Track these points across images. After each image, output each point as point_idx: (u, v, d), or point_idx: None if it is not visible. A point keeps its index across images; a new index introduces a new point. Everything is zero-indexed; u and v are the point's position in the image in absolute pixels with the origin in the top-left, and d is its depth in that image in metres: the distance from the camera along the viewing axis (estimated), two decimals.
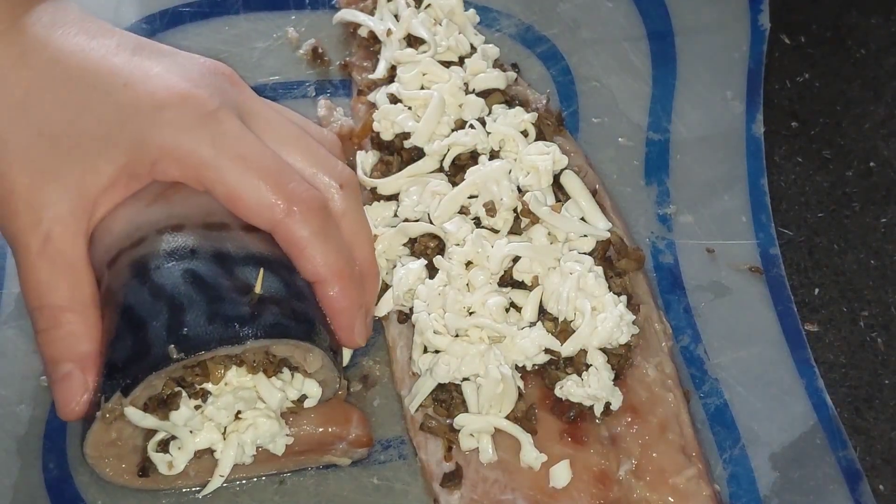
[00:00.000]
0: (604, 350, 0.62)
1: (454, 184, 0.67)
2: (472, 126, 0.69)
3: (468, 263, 0.64)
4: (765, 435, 0.65)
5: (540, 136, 0.71)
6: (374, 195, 0.69)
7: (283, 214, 0.58)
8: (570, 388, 0.61)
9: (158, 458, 0.59)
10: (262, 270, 0.58)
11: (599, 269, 0.64)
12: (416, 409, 0.62)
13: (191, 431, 0.58)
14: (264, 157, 0.59)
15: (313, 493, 0.62)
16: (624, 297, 0.64)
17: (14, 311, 0.67)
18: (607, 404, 0.61)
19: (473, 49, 0.75)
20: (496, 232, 0.65)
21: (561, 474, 0.59)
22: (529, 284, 0.64)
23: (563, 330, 0.62)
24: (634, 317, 0.63)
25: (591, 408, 0.61)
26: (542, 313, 0.63)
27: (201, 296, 0.56)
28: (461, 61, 0.74)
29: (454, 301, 0.62)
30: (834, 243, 0.76)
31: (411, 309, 0.64)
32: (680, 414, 0.62)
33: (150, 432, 0.59)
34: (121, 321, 0.57)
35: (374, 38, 0.77)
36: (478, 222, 0.66)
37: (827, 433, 0.65)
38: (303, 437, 0.61)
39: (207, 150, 0.58)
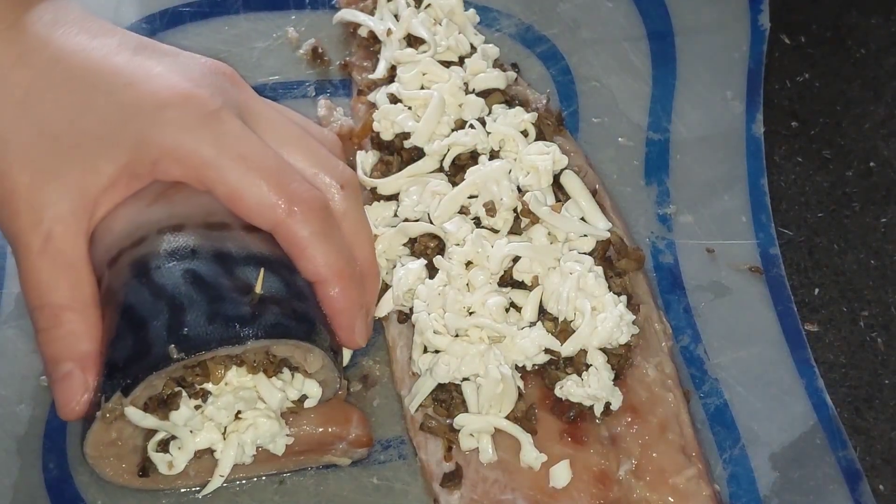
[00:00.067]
0: (604, 350, 0.62)
1: (454, 184, 0.67)
2: (472, 126, 0.69)
3: (468, 263, 0.64)
4: (765, 435, 0.65)
5: (540, 136, 0.71)
6: (374, 195, 0.69)
7: (284, 214, 0.58)
8: (570, 388, 0.61)
9: (158, 458, 0.59)
10: (262, 270, 0.58)
11: (599, 269, 0.64)
12: (416, 409, 0.62)
13: (191, 431, 0.58)
14: (266, 157, 0.59)
15: (313, 493, 0.62)
16: (624, 297, 0.64)
17: (14, 310, 0.67)
18: (607, 404, 0.61)
19: (473, 49, 0.75)
20: (496, 232, 0.66)
21: (561, 474, 0.59)
22: (529, 284, 0.64)
23: (563, 330, 0.62)
24: (634, 317, 0.63)
25: (591, 408, 0.61)
26: (542, 313, 0.63)
27: (202, 296, 0.56)
28: (461, 61, 0.74)
29: (454, 301, 0.62)
30: (834, 243, 0.76)
31: (411, 309, 0.64)
32: (680, 414, 0.62)
33: (150, 432, 0.59)
34: (121, 321, 0.57)
35: (374, 38, 0.77)
36: (478, 222, 0.66)
37: (827, 433, 0.65)
38: (303, 437, 0.61)
39: (209, 150, 0.58)
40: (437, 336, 0.62)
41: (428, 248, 0.66)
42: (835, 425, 0.65)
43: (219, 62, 0.63)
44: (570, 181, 0.68)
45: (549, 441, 0.60)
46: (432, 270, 0.65)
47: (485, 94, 0.72)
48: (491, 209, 0.65)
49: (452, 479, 0.60)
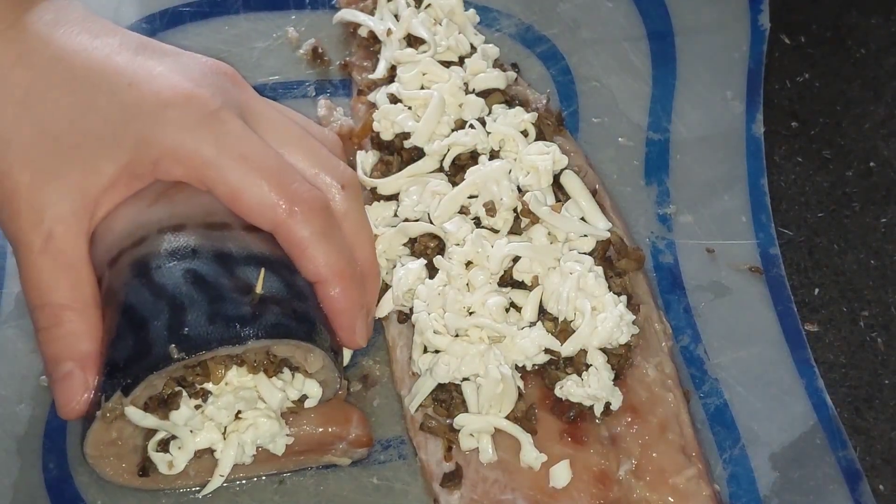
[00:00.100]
0: (604, 350, 0.62)
1: (454, 184, 0.67)
2: (472, 126, 0.69)
3: (468, 263, 0.64)
4: (765, 435, 0.65)
5: (540, 136, 0.71)
6: (374, 195, 0.69)
7: (284, 214, 0.58)
8: (570, 388, 0.61)
9: (158, 458, 0.59)
10: (262, 270, 0.58)
11: (599, 269, 0.64)
12: (416, 409, 0.62)
13: (191, 431, 0.58)
14: (266, 157, 0.59)
15: (313, 493, 0.62)
16: (624, 297, 0.64)
17: (14, 310, 0.67)
18: (607, 404, 0.61)
19: (473, 49, 0.75)
20: (496, 232, 0.65)
21: (561, 474, 0.59)
22: (529, 284, 0.64)
23: (563, 330, 0.62)
24: (634, 317, 0.63)
25: (591, 408, 0.61)
26: (542, 313, 0.63)
27: (202, 295, 0.56)
28: (461, 61, 0.74)
29: (454, 301, 0.62)
30: (834, 243, 0.76)
31: (411, 309, 0.64)
32: (680, 414, 0.62)
33: (151, 432, 0.59)
34: (122, 320, 0.57)
35: (374, 38, 0.77)
36: (478, 222, 0.66)
37: (827, 433, 0.65)
38: (303, 437, 0.61)
39: (210, 150, 0.58)
40: (437, 336, 0.62)
41: (428, 248, 0.66)
42: (835, 425, 0.65)
43: (220, 62, 0.63)
44: (570, 181, 0.68)
45: (549, 441, 0.60)
46: (432, 270, 0.65)
47: (485, 94, 0.72)
48: (491, 209, 0.65)
49: (452, 479, 0.60)
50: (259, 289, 0.57)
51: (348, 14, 0.79)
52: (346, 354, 0.64)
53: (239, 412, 0.59)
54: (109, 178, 0.58)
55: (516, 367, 0.62)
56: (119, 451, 0.59)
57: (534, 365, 0.62)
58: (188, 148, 0.58)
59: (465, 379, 0.61)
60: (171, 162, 0.58)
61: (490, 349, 0.61)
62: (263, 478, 0.62)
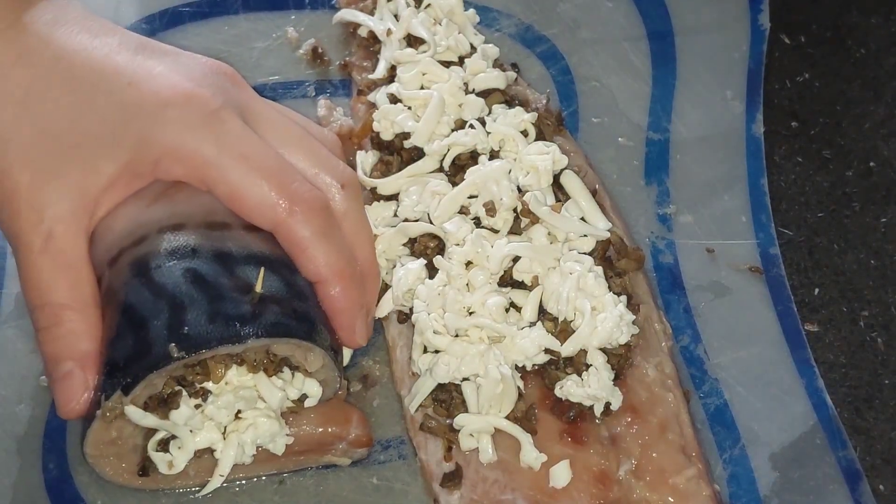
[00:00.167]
0: (604, 350, 0.62)
1: (454, 184, 0.67)
2: (471, 126, 0.69)
3: (468, 263, 0.64)
4: (765, 435, 0.65)
5: (540, 136, 0.71)
6: (374, 195, 0.69)
7: (285, 214, 0.58)
8: (570, 388, 0.61)
9: (158, 458, 0.59)
10: (262, 270, 0.58)
11: (599, 269, 0.64)
12: (416, 409, 0.62)
13: (191, 431, 0.58)
14: (267, 157, 0.59)
15: (313, 493, 0.62)
16: (624, 297, 0.64)
17: (14, 310, 0.67)
18: (607, 404, 0.61)
19: (473, 49, 0.75)
20: (496, 232, 0.65)
21: (561, 474, 0.59)
22: (529, 284, 0.64)
23: (563, 330, 0.62)
24: (634, 317, 0.63)
25: (591, 408, 0.61)
26: (542, 313, 0.63)
27: (202, 295, 0.56)
28: (461, 61, 0.74)
29: (454, 301, 0.62)
30: (834, 243, 0.77)
31: (411, 309, 0.64)
32: (680, 414, 0.62)
33: (150, 431, 0.59)
34: (121, 320, 0.57)
35: (373, 38, 0.77)
36: (478, 222, 0.66)
37: (827, 433, 0.65)
38: (303, 436, 0.61)
39: (210, 150, 0.58)
40: (436, 336, 0.62)
41: (428, 248, 0.66)
42: (835, 425, 0.65)
43: (220, 62, 0.63)
44: (570, 181, 0.68)
45: (549, 441, 0.60)
46: (432, 270, 0.64)
47: (485, 94, 0.72)
48: (491, 209, 0.65)
49: (452, 479, 0.60)
50: (259, 288, 0.57)
51: (348, 14, 0.79)
52: (346, 354, 0.64)
53: (239, 412, 0.59)
54: (109, 178, 0.58)
55: (516, 367, 0.62)
56: (119, 450, 0.59)
57: (534, 365, 0.62)
58: (188, 147, 0.58)
59: (464, 379, 0.61)
60: (172, 161, 0.58)
61: (490, 349, 0.61)
62: (263, 478, 0.62)
